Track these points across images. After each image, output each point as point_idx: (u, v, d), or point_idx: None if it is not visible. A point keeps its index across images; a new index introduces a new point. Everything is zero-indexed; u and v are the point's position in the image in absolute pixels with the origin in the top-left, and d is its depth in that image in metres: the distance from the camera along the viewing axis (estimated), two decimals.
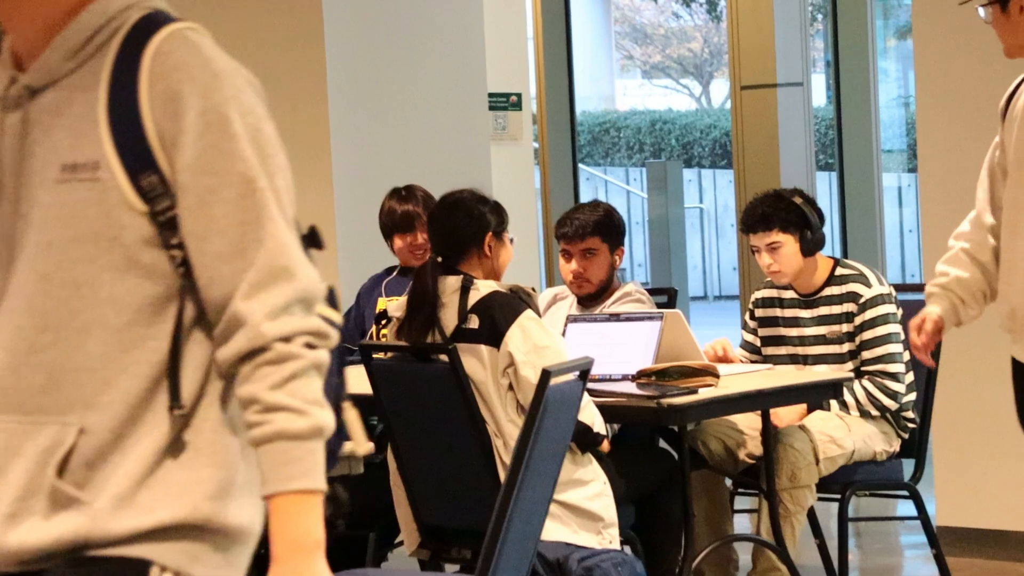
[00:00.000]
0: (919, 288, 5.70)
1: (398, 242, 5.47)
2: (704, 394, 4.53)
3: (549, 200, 9.54)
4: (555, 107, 9.64)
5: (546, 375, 3.75)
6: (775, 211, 4.99)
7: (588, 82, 18.04)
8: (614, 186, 16.26)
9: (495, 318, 4.27)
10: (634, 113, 18.46)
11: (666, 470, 4.81)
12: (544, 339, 4.27)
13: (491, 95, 7.48)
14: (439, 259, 4.36)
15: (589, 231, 5.03)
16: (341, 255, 6.67)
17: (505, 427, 4.29)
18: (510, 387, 4.29)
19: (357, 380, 4.78)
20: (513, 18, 8.22)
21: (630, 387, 4.60)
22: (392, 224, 5.46)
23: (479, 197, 4.42)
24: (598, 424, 4.30)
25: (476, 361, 4.30)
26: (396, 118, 6.90)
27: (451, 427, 4.34)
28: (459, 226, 4.37)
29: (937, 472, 5.88)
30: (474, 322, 4.30)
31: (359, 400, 4.98)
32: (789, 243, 5.00)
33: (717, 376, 4.60)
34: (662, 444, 5.18)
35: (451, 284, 4.34)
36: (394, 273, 5.52)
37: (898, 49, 13.30)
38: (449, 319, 4.32)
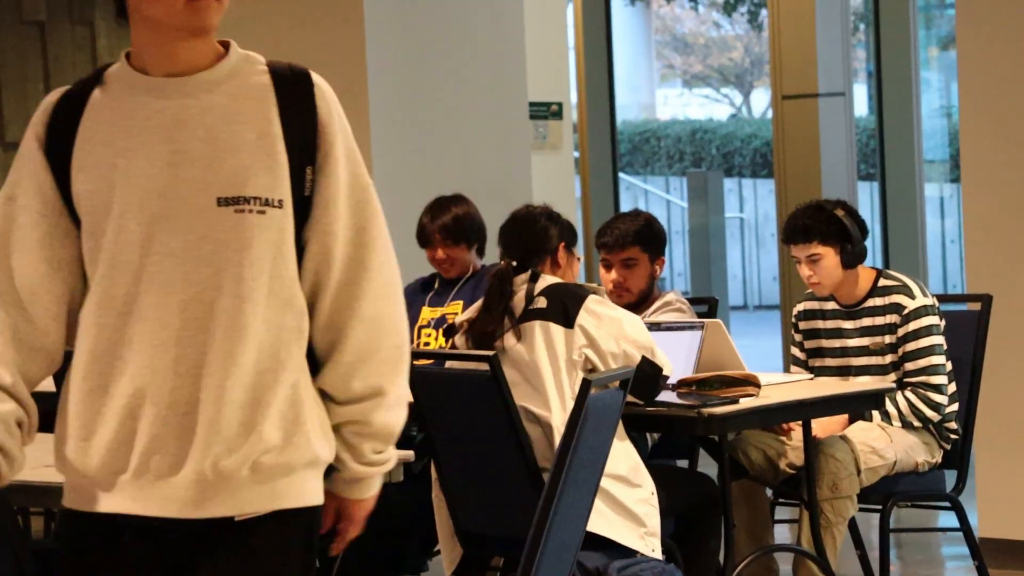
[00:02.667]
0: (961, 299, 5.69)
1: (427, 254, 5.56)
2: (745, 404, 4.53)
3: (589, 209, 9.55)
4: (596, 116, 9.65)
5: (586, 384, 3.76)
6: (816, 223, 4.99)
7: (628, 91, 18.04)
8: (654, 195, 16.25)
9: (564, 299, 4.41)
10: (674, 122, 18.45)
11: (705, 493, 4.80)
12: (614, 311, 4.43)
13: (532, 104, 7.51)
14: (513, 263, 4.53)
15: (629, 241, 5.04)
16: None
17: (556, 413, 4.32)
18: (586, 368, 4.39)
19: None
20: (554, 27, 8.25)
21: (671, 396, 4.60)
22: (418, 238, 5.57)
23: (548, 213, 4.61)
24: (667, 369, 4.43)
25: (543, 339, 4.38)
26: (437, 127, 6.93)
27: (491, 433, 4.36)
28: (524, 238, 4.55)
29: (979, 483, 5.87)
30: (542, 302, 4.43)
31: None
32: (829, 255, 5.00)
33: (758, 386, 4.59)
34: (700, 467, 5.20)
35: (521, 276, 4.52)
36: (436, 285, 5.57)
37: (940, 59, 13.24)
38: (519, 301, 4.47)
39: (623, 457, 4.35)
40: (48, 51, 9.06)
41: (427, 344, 5.40)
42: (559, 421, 4.33)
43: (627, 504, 4.35)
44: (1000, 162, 5.77)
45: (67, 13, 9.09)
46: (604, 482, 4.19)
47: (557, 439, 4.28)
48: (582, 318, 4.37)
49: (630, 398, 4.19)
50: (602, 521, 4.30)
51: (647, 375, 4.34)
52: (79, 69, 9.07)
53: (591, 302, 4.40)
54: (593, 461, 3.94)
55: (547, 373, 4.37)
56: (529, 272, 4.49)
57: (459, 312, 5.40)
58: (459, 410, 4.45)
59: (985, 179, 5.82)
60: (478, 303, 4.57)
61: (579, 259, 4.67)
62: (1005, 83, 5.74)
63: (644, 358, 4.34)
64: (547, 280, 4.49)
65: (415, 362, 4.55)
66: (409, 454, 3.90)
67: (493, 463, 4.40)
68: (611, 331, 4.37)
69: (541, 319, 4.40)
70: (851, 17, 9.95)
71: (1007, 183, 5.79)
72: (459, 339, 4.54)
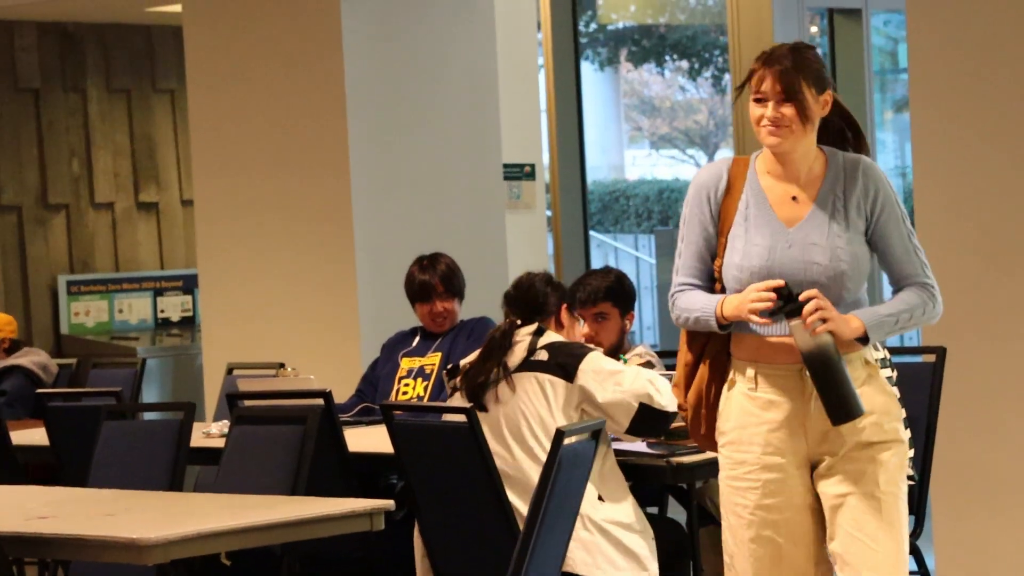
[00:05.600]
0: (916, 351, 5.84)
1: (419, 309, 5.67)
2: (712, 452, 4.66)
3: (562, 266, 9.68)
4: (567, 176, 9.78)
5: (560, 435, 3.93)
6: None
7: (598, 153, 18.21)
8: (624, 252, 16.38)
9: (565, 355, 4.56)
10: (643, 182, 18.64)
11: (673, 540, 4.92)
12: (615, 365, 4.58)
13: (506, 166, 7.65)
14: (518, 321, 4.68)
15: (601, 296, 5.18)
16: (363, 318, 6.85)
17: (531, 462, 4.51)
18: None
19: (378, 439, 4.94)
20: (527, 92, 8.40)
21: (640, 446, 4.72)
22: (411, 293, 5.68)
23: (547, 278, 4.77)
24: (672, 407, 4.53)
25: (539, 390, 4.54)
26: (415, 187, 7.08)
27: (469, 482, 4.47)
28: (525, 301, 4.70)
29: (936, 528, 5.95)
30: (543, 355, 4.58)
31: (379, 459, 5.13)
32: None
33: None
34: (669, 513, 5.32)
35: (526, 328, 4.66)
36: (416, 339, 5.71)
37: (895, 121, 13.50)
38: (518, 353, 4.60)
39: (627, 503, 4.52)
40: (42, 116, 9.20)
41: (406, 394, 5.55)
42: (532, 470, 4.51)
43: (632, 548, 4.50)
44: (951, 219, 5.91)
45: (60, 80, 9.22)
46: (612, 528, 4.41)
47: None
48: (582, 375, 4.52)
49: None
50: (609, 567, 4.45)
51: (648, 417, 4.52)
52: (72, 134, 9.19)
53: (591, 359, 4.55)
54: (567, 509, 4.09)
55: (535, 423, 4.51)
56: (535, 326, 4.64)
57: (436, 364, 5.55)
58: (438, 460, 4.56)
59: (938, 236, 5.95)
60: (480, 350, 4.70)
61: (580, 320, 4.83)
62: (956, 144, 5.89)
63: (642, 404, 4.50)
64: (551, 336, 4.63)
65: (395, 412, 4.70)
66: (390, 503, 4.05)
67: (471, 511, 4.50)
68: (610, 383, 4.52)
69: (541, 371, 4.55)
70: None
71: (959, 240, 5.94)
72: (460, 382, 4.71)
